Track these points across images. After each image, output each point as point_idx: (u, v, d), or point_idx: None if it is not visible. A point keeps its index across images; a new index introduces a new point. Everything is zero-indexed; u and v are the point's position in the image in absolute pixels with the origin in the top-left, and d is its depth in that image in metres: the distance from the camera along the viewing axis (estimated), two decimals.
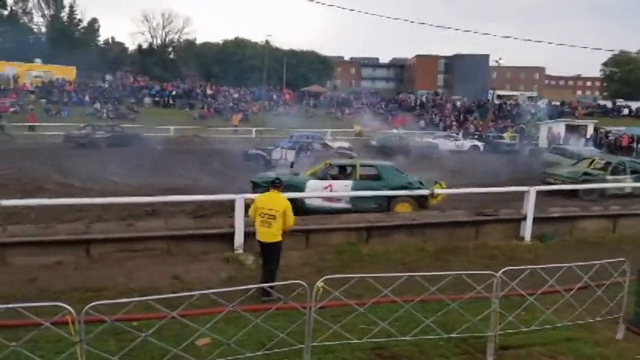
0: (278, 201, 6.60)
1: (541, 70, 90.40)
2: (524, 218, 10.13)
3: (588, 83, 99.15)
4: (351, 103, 54.09)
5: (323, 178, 11.63)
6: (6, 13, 69.28)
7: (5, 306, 3.86)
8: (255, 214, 6.66)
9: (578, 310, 5.28)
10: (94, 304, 3.57)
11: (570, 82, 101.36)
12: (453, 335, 4.92)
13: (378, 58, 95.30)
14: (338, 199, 11.26)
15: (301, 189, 11.07)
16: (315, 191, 11.25)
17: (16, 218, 9.64)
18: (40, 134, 30.53)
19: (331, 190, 11.32)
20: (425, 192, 10.81)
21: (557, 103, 54.33)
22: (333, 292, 4.27)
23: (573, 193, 14.27)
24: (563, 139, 32.70)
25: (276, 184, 6.79)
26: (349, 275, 4.69)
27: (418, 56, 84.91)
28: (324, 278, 4.26)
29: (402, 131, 35.04)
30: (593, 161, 17.34)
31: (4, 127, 31.91)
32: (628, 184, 15.14)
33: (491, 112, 48.18)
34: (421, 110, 52.39)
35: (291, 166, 12.69)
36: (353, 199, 11.07)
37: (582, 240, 10.21)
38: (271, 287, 5.81)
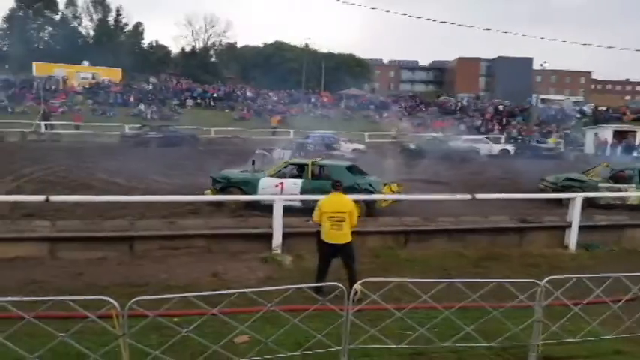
0: (344, 203, 6.64)
1: (587, 74, 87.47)
2: (569, 226, 9.79)
3: (638, 88, 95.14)
4: (389, 106, 53.76)
5: (277, 176, 11.99)
6: (57, 17, 72.34)
7: (55, 298, 4.03)
8: (322, 218, 6.64)
9: (627, 322, 5.07)
10: (137, 299, 3.66)
11: (618, 87, 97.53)
12: (494, 344, 4.80)
13: (417, 61, 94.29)
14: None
15: (255, 186, 11.73)
16: (266, 189, 11.62)
17: (64, 214, 10.01)
18: (86, 133, 31.65)
19: (281, 189, 11.61)
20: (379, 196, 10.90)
21: (604, 108, 52.40)
22: (370, 295, 4.25)
23: (559, 201, 12.99)
24: (610, 144, 31.48)
25: (337, 187, 6.80)
26: (387, 279, 4.66)
27: (459, 59, 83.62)
28: (362, 281, 4.25)
29: (441, 135, 34.56)
30: (604, 167, 15.78)
31: (53, 126, 33.34)
32: (627, 193, 13.81)
33: (534, 117, 46.93)
34: (462, 114, 51.53)
35: (253, 164, 13.02)
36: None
37: (631, 250, 9.79)
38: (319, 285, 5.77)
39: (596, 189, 13.91)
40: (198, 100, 48.50)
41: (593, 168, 15.67)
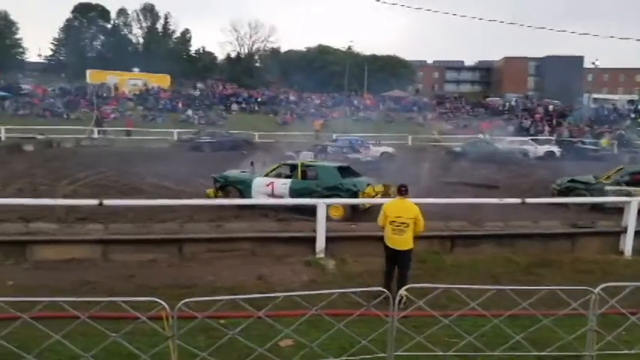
0: (408, 208, 6.59)
1: None
2: (625, 231, 9.35)
3: None
4: (433, 108, 53.02)
5: (269, 176, 12.57)
6: (109, 26, 75.42)
7: (108, 299, 4.19)
8: (385, 222, 6.65)
9: None
10: (186, 300, 3.75)
11: None
12: (545, 353, 4.64)
13: (462, 61, 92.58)
14: (280, 196, 12.08)
15: (249, 185, 12.43)
16: (259, 188, 12.32)
17: (116, 217, 10.39)
18: (137, 139, 32.74)
19: (272, 188, 12.20)
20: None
21: None
22: (416, 301, 4.19)
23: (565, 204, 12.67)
24: None
25: (402, 191, 6.75)
26: (434, 285, 4.58)
27: (506, 58, 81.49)
28: (407, 287, 4.20)
29: (487, 136, 33.75)
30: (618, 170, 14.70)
31: (106, 132, 34.70)
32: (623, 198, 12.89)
33: (586, 117, 45.14)
34: (510, 115, 50.20)
35: (252, 165, 13.58)
36: (293, 197, 11.89)
37: None
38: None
39: (601, 191, 13.20)
40: (243, 105, 49.39)
41: (618, 170, 14.56)
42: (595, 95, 58.10)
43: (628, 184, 13.30)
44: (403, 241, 6.52)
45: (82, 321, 3.69)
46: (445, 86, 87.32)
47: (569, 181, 14.18)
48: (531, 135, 39.11)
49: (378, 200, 10.25)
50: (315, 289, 6.72)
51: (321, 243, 8.41)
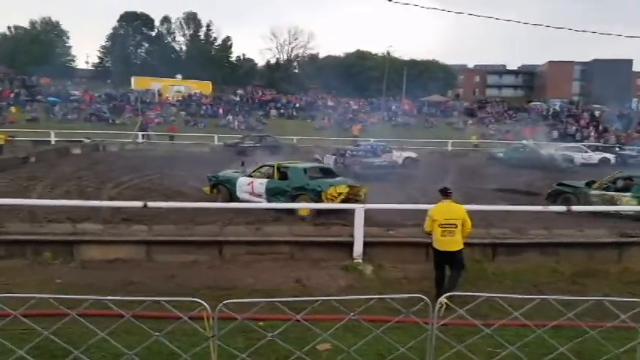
0: (455, 210, 6.64)
1: None
2: None
3: None
4: (473, 113, 52.08)
5: (250, 176, 13.46)
6: (153, 34, 77.74)
7: (151, 298, 4.29)
8: (432, 225, 6.65)
9: None
10: (227, 301, 3.80)
11: None
12: None
13: (505, 65, 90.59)
14: (259, 195, 12.91)
15: (234, 183, 13.40)
16: (241, 186, 13.26)
17: (159, 219, 10.66)
18: (179, 143, 33.55)
19: (252, 187, 13.10)
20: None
21: None
22: (457, 309, 4.11)
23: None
24: None
25: (448, 194, 6.78)
26: (475, 294, 4.48)
27: (550, 62, 79.26)
28: (447, 294, 4.12)
29: (531, 142, 32.85)
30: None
31: (150, 136, 35.74)
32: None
33: (635, 123, 43.35)
34: (554, 120, 48.76)
35: (242, 165, 14.60)
36: (268, 195, 12.73)
37: None
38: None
39: (587, 196, 13.10)
40: (282, 111, 49.88)
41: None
42: None
43: (620, 189, 13.06)
44: (454, 242, 6.53)
45: (126, 319, 3.78)
46: (487, 91, 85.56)
47: (557, 185, 14.34)
48: (577, 141, 37.88)
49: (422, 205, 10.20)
50: (352, 294, 6.72)
51: (358, 248, 8.38)
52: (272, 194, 12.63)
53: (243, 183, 13.35)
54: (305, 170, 13.01)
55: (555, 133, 42.32)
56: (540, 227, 9.64)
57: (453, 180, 18.28)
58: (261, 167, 13.71)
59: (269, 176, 13.13)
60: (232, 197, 13.21)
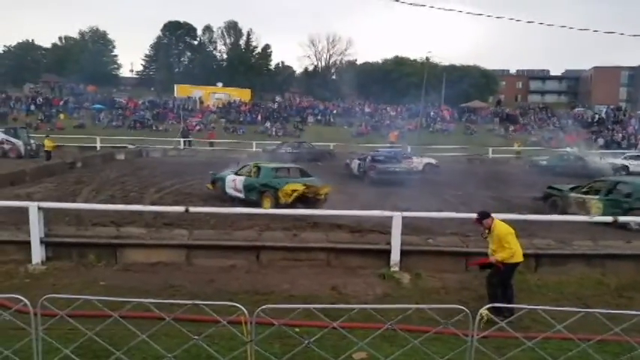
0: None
1: None
2: None
3: None
4: (516, 119, 50.86)
5: (236, 174, 15.06)
6: (195, 43, 79.64)
7: (191, 302, 4.35)
8: (512, 241, 6.49)
9: None
10: (265, 307, 3.82)
11: None
12: None
13: (548, 70, 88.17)
14: (240, 190, 14.53)
15: (224, 180, 15.26)
16: (229, 183, 15.08)
17: (199, 223, 10.86)
18: (219, 149, 34.12)
19: (235, 184, 14.78)
20: None
21: None
22: (497, 321, 4.00)
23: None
24: None
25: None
26: (517, 306, 4.36)
27: (596, 68, 76.62)
28: (488, 306, 4.03)
29: (576, 150, 31.76)
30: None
31: (191, 143, 36.52)
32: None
33: None
34: (600, 127, 47.06)
35: (237, 164, 16.52)
36: (245, 191, 14.36)
37: None
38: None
39: (567, 199, 13.58)
40: (319, 117, 50.09)
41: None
42: None
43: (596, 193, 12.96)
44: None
45: (166, 322, 3.86)
46: (529, 97, 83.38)
47: (548, 188, 14.72)
48: (624, 149, 36.40)
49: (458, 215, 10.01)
50: (389, 303, 6.65)
51: (395, 256, 8.29)
52: (247, 190, 14.31)
53: (229, 180, 15.08)
54: (274, 170, 14.67)
55: (601, 141, 40.82)
56: (586, 238, 9.32)
57: (476, 187, 18.17)
58: (244, 167, 15.44)
59: (248, 174, 14.70)
60: (223, 192, 15.22)
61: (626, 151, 33.17)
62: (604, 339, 4.45)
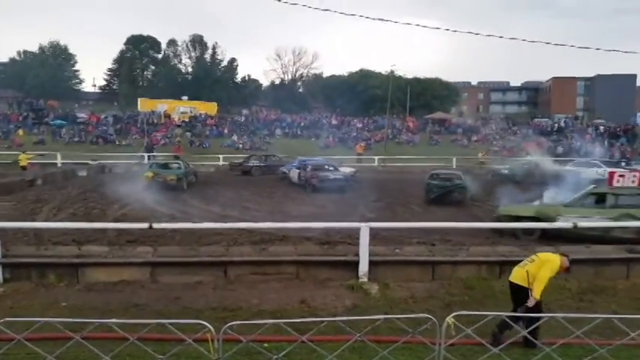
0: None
1: None
2: None
3: None
4: (478, 130, 52.12)
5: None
6: (160, 56, 78.72)
7: (156, 321, 4.27)
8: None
9: None
10: (232, 323, 3.78)
11: None
12: None
13: (508, 82, 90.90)
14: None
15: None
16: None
17: (164, 240, 10.66)
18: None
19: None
20: None
21: None
22: (464, 329, 4.06)
23: None
24: None
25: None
26: (482, 313, 4.43)
27: (554, 78, 79.49)
28: (454, 314, 4.08)
29: (536, 158, 32.66)
30: None
31: (155, 157, 35.86)
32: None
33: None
34: (559, 135, 48.67)
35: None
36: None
37: None
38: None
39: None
40: (286, 130, 50.14)
41: None
42: None
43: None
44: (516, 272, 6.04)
45: (130, 342, 3.77)
46: (490, 107, 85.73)
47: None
48: (582, 156, 37.67)
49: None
50: (358, 314, 6.65)
51: (364, 267, 8.33)
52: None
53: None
54: (162, 164, 22.99)
55: (560, 149, 42.19)
56: (547, 244, 9.58)
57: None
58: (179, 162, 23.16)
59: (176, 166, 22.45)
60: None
61: (575, 158, 34.14)
62: (567, 342, 4.57)
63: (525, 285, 5.72)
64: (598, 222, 10.95)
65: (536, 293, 5.56)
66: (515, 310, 5.68)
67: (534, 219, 11.91)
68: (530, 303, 5.51)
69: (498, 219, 12.79)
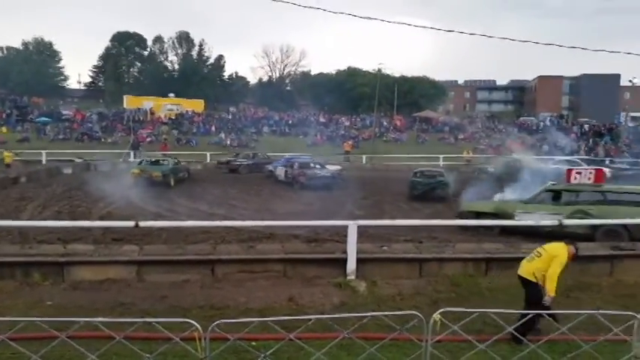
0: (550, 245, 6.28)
1: None
2: None
3: None
4: (464, 128, 52.50)
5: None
6: (146, 53, 77.99)
7: (142, 320, 4.24)
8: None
9: None
10: (219, 322, 3.76)
11: None
12: None
13: (494, 81, 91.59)
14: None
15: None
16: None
17: (151, 238, 10.59)
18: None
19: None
20: None
21: None
22: (451, 326, 4.09)
23: None
24: None
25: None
26: (469, 310, 4.47)
27: (540, 77, 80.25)
28: (441, 311, 4.11)
29: (521, 156, 32.96)
30: None
31: (142, 155, 35.56)
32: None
33: (623, 136, 43.85)
34: (544, 134, 49.20)
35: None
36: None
37: None
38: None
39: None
40: (274, 128, 50.04)
41: None
42: (633, 114, 56.50)
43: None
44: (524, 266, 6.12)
45: (116, 341, 3.74)
46: (477, 106, 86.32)
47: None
48: (567, 154, 38.11)
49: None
50: (346, 312, 6.67)
51: (351, 265, 8.34)
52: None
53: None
54: (151, 161, 23.45)
55: (546, 147, 42.64)
56: (533, 241, 9.68)
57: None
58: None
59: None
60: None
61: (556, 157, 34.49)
62: (552, 338, 4.63)
63: (533, 280, 5.86)
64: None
65: (551, 291, 5.69)
66: (526, 303, 5.85)
67: (493, 215, 12.19)
68: (547, 302, 5.64)
69: (461, 215, 13.06)
